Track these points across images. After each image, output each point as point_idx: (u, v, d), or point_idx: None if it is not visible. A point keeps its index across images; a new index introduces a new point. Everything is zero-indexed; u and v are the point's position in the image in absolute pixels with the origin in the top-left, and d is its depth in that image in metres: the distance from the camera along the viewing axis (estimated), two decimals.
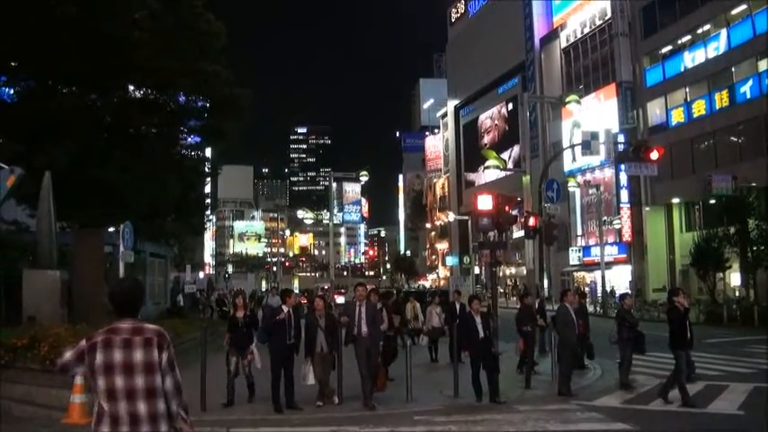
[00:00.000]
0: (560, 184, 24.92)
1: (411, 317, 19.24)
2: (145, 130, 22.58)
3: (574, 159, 48.55)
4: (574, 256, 51.10)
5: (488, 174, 60.21)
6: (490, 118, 73.61)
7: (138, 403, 3.64)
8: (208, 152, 38.34)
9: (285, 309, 10.87)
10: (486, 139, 73.13)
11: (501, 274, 59.50)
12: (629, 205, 44.77)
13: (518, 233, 49.28)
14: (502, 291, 56.86)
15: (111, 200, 18.88)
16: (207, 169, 31.35)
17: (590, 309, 16.67)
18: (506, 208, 16.00)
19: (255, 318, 11.85)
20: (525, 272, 27.25)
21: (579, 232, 51.65)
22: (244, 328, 11.16)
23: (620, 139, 35.60)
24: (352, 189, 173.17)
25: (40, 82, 19.46)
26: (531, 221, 19.36)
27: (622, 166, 32.80)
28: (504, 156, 62.79)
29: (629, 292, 29.51)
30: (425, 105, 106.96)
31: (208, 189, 53.41)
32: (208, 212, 46.74)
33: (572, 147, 40.01)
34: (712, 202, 34.88)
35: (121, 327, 3.78)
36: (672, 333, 11.01)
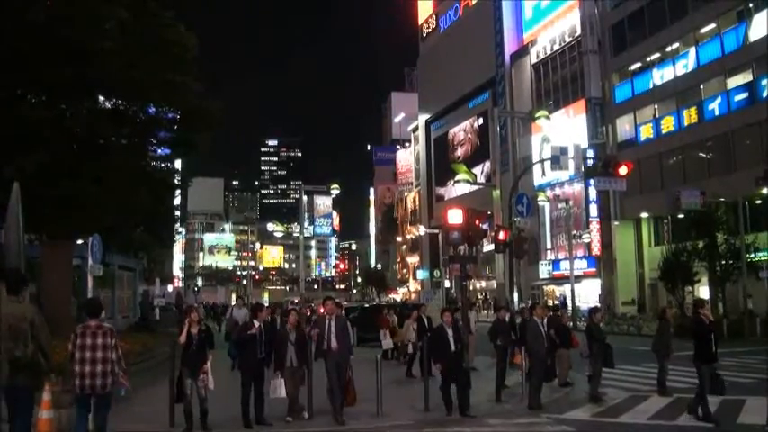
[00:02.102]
0: (530, 198, 25.14)
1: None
2: (115, 142, 22.32)
3: (543, 174, 49.04)
4: (543, 270, 51.50)
5: (459, 188, 60.56)
6: (461, 132, 74.11)
7: (97, 365, 7.56)
8: (178, 164, 38.02)
9: (256, 323, 10.79)
10: (457, 154, 73.52)
11: (471, 287, 59.75)
12: (598, 219, 45.31)
13: (488, 247, 49.60)
14: (472, 304, 57.06)
15: (81, 212, 18.62)
16: (177, 181, 31.02)
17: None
18: (476, 222, 16.05)
19: (210, 334, 10.99)
20: (495, 285, 27.49)
21: (549, 246, 52.10)
22: (195, 347, 10.21)
23: (590, 154, 35.94)
24: (323, 202, 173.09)
25: (7, 90, 19.17)
26: (501, 235, 19.49)
27: (591, 181, 33.19)
28: (476, 170, 63.18)
29: (599, 305, 29.82)
30: (396, 119, 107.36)
31: (177, 201, 52.99)
32: (177, 225, 46.32)
33: (542, 161, 40.48)
34: (681, 216, 35.46)
35: (90, 324, 7.78)
36: (697, 347, 10.69)
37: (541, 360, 12.49)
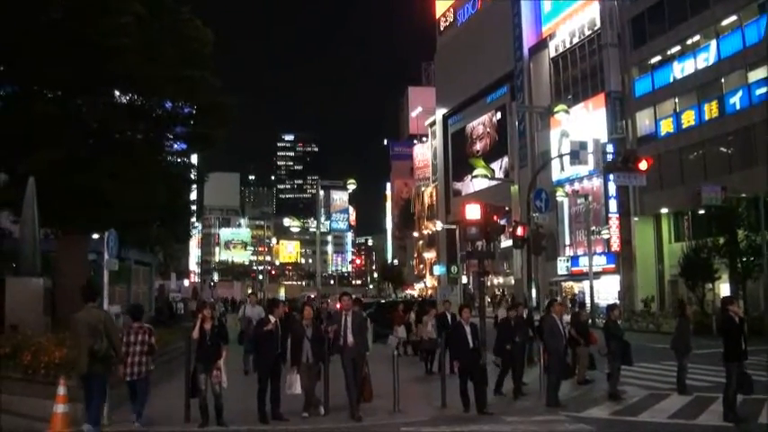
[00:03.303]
0: (549, 193, 25.00)
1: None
2: (131, 137, 22.49)
3: (562, 169, 48.77)
4: (562, 266, 51.24)
5: (476, 183, 60.43)
6: (479, 126, 73.89)
7: (136, 357, 9.79)
8: (194, 159, 38.24)
9: (272, 319, 10.83)
10: (475, 149, 73.35)
11: (489, 283, 59.60)
12: (617, 215, 45.00)
13: (506, 243, 49.40)
14: (489, 300, 56.98)
15: (96, 206, 18.78)
16: (193, 176, 31.26)
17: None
18: (494, 217, 16.02)
19: (224, 329, 11.07)
20: (513, 281, 27.44)
21: (567, 242, 51.82)
22: (209, 342, 10.28)
23: (609, 148, 35.76)
24: (340, 197, 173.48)
25: (24, 87, 19.36)
26: (520, 231, 19.41)
27: (611, 176, 32.96)
28: (494, 165, 63.02)
29: (617, 302, 29.63)
30: (414, 113, 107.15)
31: (194, 196, 53.26)
32: (193, 220, 46.52)
33: (560, 156, 40.23)
34: (701, 212, 35.10)
35: (134, 325, 10.04)
36: (726, 345, 10.48)
37: (559, 357, 12.43)
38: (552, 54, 55.21)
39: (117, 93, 21.87)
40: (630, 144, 42.70)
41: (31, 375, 10.21)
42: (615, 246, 45.00)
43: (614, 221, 45.07)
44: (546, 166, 44.43)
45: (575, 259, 49.92)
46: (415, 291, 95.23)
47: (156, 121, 23.20)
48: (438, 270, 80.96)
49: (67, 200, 18.20)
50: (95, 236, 19.40)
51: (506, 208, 23.58)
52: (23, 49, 17.35)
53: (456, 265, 56.60)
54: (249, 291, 72.22)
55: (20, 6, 17.16)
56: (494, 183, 52.94)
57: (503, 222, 18.30)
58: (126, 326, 10.32)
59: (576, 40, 52.07)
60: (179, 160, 27.29)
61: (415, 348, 20.11)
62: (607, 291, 44.55)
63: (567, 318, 15.11)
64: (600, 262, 44.88)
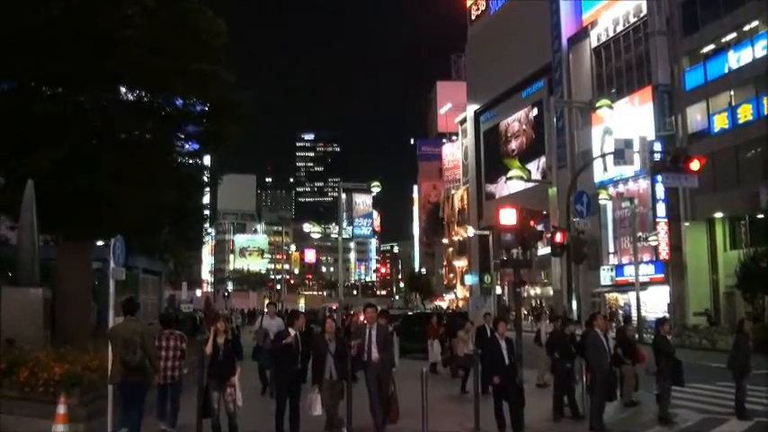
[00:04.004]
0: (590, 196, 24.77)
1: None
2: (138, 136, 22.64)
3: (605, 170, 48.28)
4: (605, 276, 50.72)
5: (511, 185, 60.03)
6: (514, 124, 73.54)
7: (169, 362, 11.11)
8: (207, 160, 38.47)
9: (292, 332, 10.79)
10: (510, 148, 73.01)
11: (525, 294, 59.18)
12: (666, 220, 44.39)
13: (544, 250, 48.97)
14: (526, 313, 56.56)
15: (101, 211, 18.90)
16: (206, 178, 31.42)
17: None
18: (531, 223, 15.93)
19: (238, 344, 11.21)
20: (551, 292, 27.23)
21: (611, 249, 51.29)
22: (222, 357, 10.42)
23: (657, 147, 35.37)
24: (363, 201, 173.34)
25: (21, 83, 19.55)
26: (559, 237, 19.28)
27: (659, 178, 32.47)
28: (530, 166, 62.58)
29: (667, 316, 29.21)
30: (442, 110, 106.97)
31: (206, 200, 53.67)
32: (206, 225, 46.91)
33: (603, 156, 39.81)
34: (760, 216, 34.49)
35: (165, 332, 11.42)
36: None
37: (604, 376, 12.24)
38: (594, 44, 54.75)
39: (122, 89, 22.02)
40: (680, 142, 42.15)
41: (29, 393, 10.24)
42: (664, 254, 44.40)
43: (663, 227, 44.47)
44: (587, 167, 44.02)
45: (619, 268, 49.37)
46: (445, 302, 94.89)
47: (165, 120, 23.31)
48: (469, 280, 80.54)
49: (69, 204, 18.33)
50: (100, 243, 19.53)
51: (544, 212, 23.41)
52: (21, 46, 17.51)
53: (489, 275, 56.13)
54: (267, 301, 72.59)
55: (18, 3, 17.33)
56: (530, 185, 52.52)
57: (540, 228, 18.11)
58: (157, 332, 11.52)
59: (619, 28, 51.58)
60: (190, 161, 27.42)
61: (446, 364, 20.04)
62: (655, 303, 43.99)
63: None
64: (647, 271, 44.32)
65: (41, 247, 15.38)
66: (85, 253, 16.70)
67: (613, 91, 49.65)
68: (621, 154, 22.39)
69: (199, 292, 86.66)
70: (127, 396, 10.00)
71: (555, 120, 60.02)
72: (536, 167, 64.90)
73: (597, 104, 23.38)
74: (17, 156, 17.23)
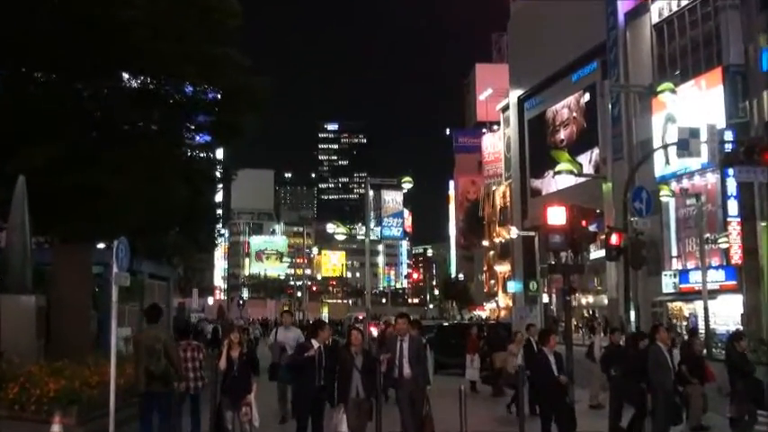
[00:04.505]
0: (650, 192, 24.47)
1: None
2: (142, 127, 22.85)
3: (667, 162, 47.77)
4: (668, 283, 50.14)
5: (560, 180, 59.66)
6: (563, 111, 73.05)
7: (189, 373, 11.57)
8: (219, 153, 38.73)
9: (315, 344, 10.81)
10: (558, 138, 72.54)
11: (576, 303, 58.72)
12: (738, 219, 43.74)
13: (597, 253, 48.54)
14: (577, 324, 56.15)
15: (102, 210, 19.08)
16: (218, 174, 31.65)
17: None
18: (583, 222, 15.82)
19: (254, 357, 11.48)
20: (606, 301, 26.97)
21: (674, 253, 50.70)
22: (236, 373, 10.66)
23: (728, 136, 34.90)
24: (393, 198, 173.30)
25: (12, 70, 19.78)
26: (614, 239, 19.07)
27: (730, 171, 32.11)
28: (581, 158, 62.08)
29: (741, 329, 28.84)
30: (482, 96, 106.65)
31: (219, 197, 54.05)
32: (219, 226, 47.26)
33: (665, 147, 39.38)
34: None
35: (182, 343, 11.96)
36: None
37: (667, 397, 12.10)
38: (655, 20, 54.17)
39: (125, 75, 22.21)
40: (756, 131, 41.51)
41: (19, 412, 10.30)
42: (736, 257, 43.80)
43: (734, 227, 43.85)
44: (647, 159, 43.55)
45: (684, 274, 48.79)
46: (485, 311, 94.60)
47: (172, 109, 23.51)
48: (513, 287, 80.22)
49: (66, 202, 18.52)
50: (101, 245, 19.73)
51: (597, 210, 23.20)
52: (12, 29, 17.68)
53: (535, 281, 55.98)
54: (284, 308, 72.92)
55: None
56: (581, 180, 52.12)
57: (593, 228, 17.97)
58: (178, 344, 11.97)
59: (685, 1, 50.97)
60: (201, 155, 27.64)
61: (486, 381, 19.98)
62: (725, 314, 43.37)
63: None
64: (716, 278, 43.71)
65: (34, 250, 15.53)
66: (84, 256, 16.85)
67: (677, 73, 49.08)
68: (686, 144, 22.09)
69: (211, 300, 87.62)
70: (151, 406, 10.67)
71: (610, 106, 59.50)
72: (588, 160, 64.35)
73: (659, 89, 23.16)
74: (7, 150, 17.41)
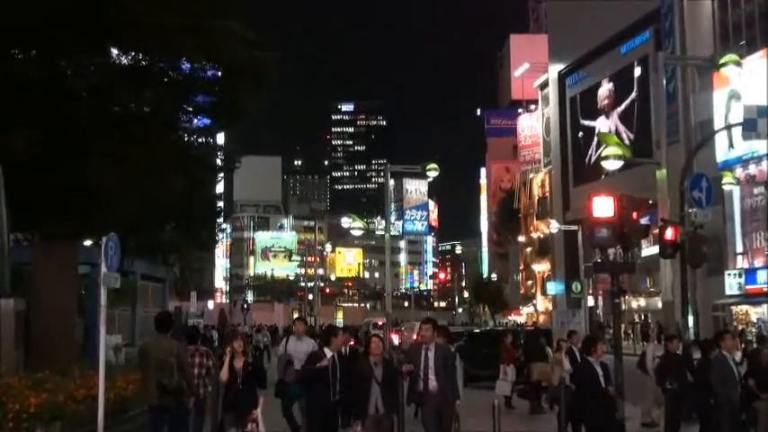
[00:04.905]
0: (711, 180, 24.31)
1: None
2: (134, 109, 22.94)
3: (731, 146, 47.53)
4: (731, 284, 49.88)
5: (607, 166, 59.39)
6: (610, 87, 72.75)
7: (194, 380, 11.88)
8: (220, 138, 38.84)
9: (328, 353, 10.82)
10: (604, 119, 72.27)
11: (625, 307, 58.48)
12: None
13: (650, 250, 48.33)
14: (626, 331, 55.93)
15: (89, 202, 19.18)
16: (219, 161, 31.75)
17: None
18: (634, 214, 15.72)
19: (261, 368, 11.58)
20: (660, 304, 26.71)
21: (739, 249, 50.43)
22: (240, 386, 10.69)
23: None
24: (417, 188, 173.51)
25: None
26: (670, 233, 18.96)
27: None
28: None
29: None
30: (517, 72, 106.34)
31: (220, 188, 54.25)
32: (220, 220, 47.41)
33: (728, 127, 39.15)
34: None
35: (189, 348, 12.34)
36: None
37: (733, 412, 12.05)
38: None
39: (114, 51, 22.29)
40: None
41: None
42: None
43: None
44: (707, 142, 43.26)
45: (751, 273, 48.50)
46: (522, 316, 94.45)
47: (168, 89, 23.57)
48: (553, 288, 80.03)
49: (48, 194, 18.62)
50: (87, 242, 19.85)
51: (650, 201, 22.98)
52: None
53: (579, 282, 55.65)
54: (295, 314, 73.01)
55: None
56: (632, 166, 51.75)
57: (645, 221, 17.86)
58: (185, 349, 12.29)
59: None
60: (200, 140, 27.73)
61: (523, 396, 19.96)
62: None
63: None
64: None
65: (12, 249, 15.64)
66: (69, 255, 16.96)
67: (742, 43, 48.78)
68: (753, 125, 21.92)
69: (211, 304, 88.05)
70: (162, 420, 11.05)
71: (664, 82, 59.02)
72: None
73: (720, 61, 22.87)
74: None
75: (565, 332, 24.34)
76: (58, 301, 15.28)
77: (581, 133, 76.38)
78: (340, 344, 11.33)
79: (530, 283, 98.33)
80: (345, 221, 52.45)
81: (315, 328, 53.41)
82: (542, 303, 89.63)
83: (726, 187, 42.04)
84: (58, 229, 19.87)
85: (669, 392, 13.59)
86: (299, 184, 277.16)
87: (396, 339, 38.70)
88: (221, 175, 37.80)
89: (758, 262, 47.69)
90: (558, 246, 78.55)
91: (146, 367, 11.10)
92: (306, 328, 17.00)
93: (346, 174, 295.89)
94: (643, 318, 63.32)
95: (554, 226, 70.23)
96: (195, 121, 26.38)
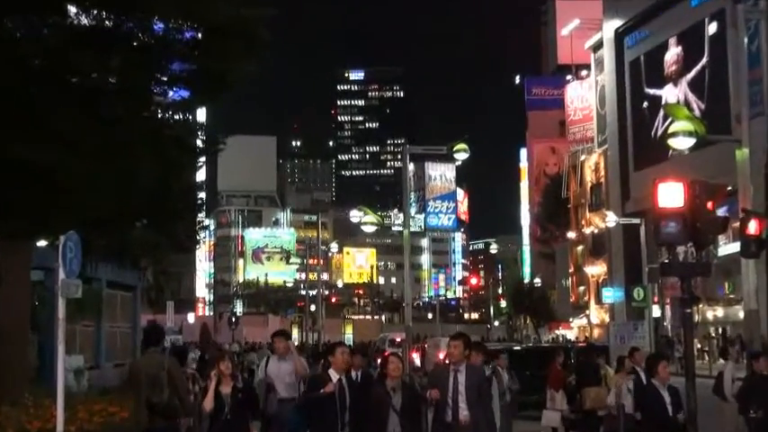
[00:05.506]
0: None
1: None
2: (97, 80, 22.99)
3: None
4: None
5: (675, 145, 59.25)
6: (679, 48, 72.57)
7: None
8: (201, 115, 38.92)
9: (334, 376, 10.86)
10: (671, 87, 72.06)
11: (699, 317, 58.32)
12: None
13: (729, 248, 48.14)
14: (701, 347, 55.80)
15: (44, 194, 19.27)
16: (200, 142, 31.79)
17: None
18: (709, 205, 15.67)
19: (253, 394, 11.70)
20: (741, 314, 26.65)
21: None
22: (228, 416, 10.84)
23: None
24: (442, 174, 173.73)
25: None
26: (753, 227, 18.93)
27: None
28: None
29: None
30: (565, 31, 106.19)
31: (202, 176, 54.38)
32: (202, 215, 47.46)
33: None
34: None
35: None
36: None
37: None
38: None
39: (73, 9, 22.37)
40: None
41: None
42: None
43: None
44: None
45: None
46: (572, 330, 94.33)
47: (138, 54, 23.60)
48: (610, 295, 79.87)
49: None
50: (41, 242, 19.92)
51: (729, 188, 22.85)
52: None
53: (641, 288, 55.49)
54: (296, 333, 72.85)
55: None
56: (705, 144, 51.52)
57: (722, 213, 17.78)
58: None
59: None
60: (177, 117, 27.75)
61: (575, 427, 20.03)
62: None
63: None
64: None
65: None
66: (20, 258, 17.04)
67: None
68: None
69: (192, 317, 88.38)
70: None
71: (746, 41, 58.89)
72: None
73: None
74: None
75: (625, 349, 24.36)
76: (5, 315, 15.35)
77: (646, 103, 76.07)
78: (344, 364, 11.30)
79: (581, 289, 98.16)
80: (355, 215, 52.26)
81: (318, 345, 53.58)
82: (597, 314, 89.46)
83: None
84: (6, 228, 19.97)
85: (753, 422, 13.60)
86: (298, 169, 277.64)
87: (417, 359, 38.76)
88: (203, 159, 37.84)
89: None
90: (616, 244, 78.51)
91: (136, 387, 11.76)
92: (287, 345, 16.04)
93: (355, 157, 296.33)
94: (721, 331, 63.10)
95: (611, 219, 70.14)
96: (171, 93, 26.35)
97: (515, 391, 18.35)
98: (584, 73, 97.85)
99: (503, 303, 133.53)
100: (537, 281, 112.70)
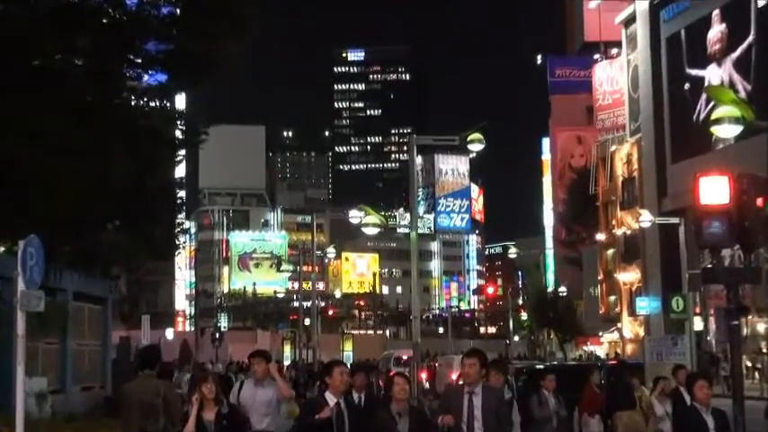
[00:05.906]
0: None
1: None
2: (62, 62, 23.03)
3: None
4: None
5: (720, 133, 59.26)
6: (722, 24, 72.52)
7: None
8: (180, 103, 38.87)
9: (331, 400, 10.93)
10: (715, 67, 72.00)
11: (748, 331, 58.26)
12: None
13: None
14: (750, 365, 55.74)
15: (2, 193, 19.30)
16: (179, 133, 31.79)
17: None
18: (758, 201, 15.65)
19: (238, 420, 11.73)
20: None
21: None
22: None
23: None
24: (454, 167, 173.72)
25: None
26: None
27: None
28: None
29: None
30: (592, 3, 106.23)
31: (181, 172, 54.35)
32: (181, 216, 47.45)
33: None
34: None
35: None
36: None
37: None
38: None
39: None
40: None
41: None
42: None
43: None
44: None
45: None
46: (602, 345, 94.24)
47: (108, 33, 23.64)
48: (645, 306, 79.86)
49: None
50: None
51: None
52: None
53: (681, 297, 55.58)
54: (289, 350, 72.64)
55: None
56: (754, 134, 51.60)
57: None
58: None
59: None
60: (153, 104, 27.78)
61: None
62: None
63: None
64: None
65: None
66: None
67: None
68: None
69: (170, 333, 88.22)
70: None
71: None
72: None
73: None
74: None
75: (662, 367, 24.33)
76: None
77: (687, 85, 75.82)
78: (341, 385, 11.24)
79: (612, 299, 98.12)
80: (354, 216, 52.18)
81: (313, 365, 53.52)
82: (630, 327, 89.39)
83: None
84: None
85: None
86: (290, 163, 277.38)
87: (426, 380, 38.74)
88: (182, 152, 37.91)
89: None
90: (652, 246, 78.52)
91: (128, 414, 11.93)
92: (265, 368, 15.04)
93: (355, 149, 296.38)
94: None
95: (645, 219, 70.14)
96: (146, 77, 26.43)
97: (563, 417, 18.28)
98: (614, 51, 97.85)
99: (523, 316, 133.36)
100: (562, 290, 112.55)
